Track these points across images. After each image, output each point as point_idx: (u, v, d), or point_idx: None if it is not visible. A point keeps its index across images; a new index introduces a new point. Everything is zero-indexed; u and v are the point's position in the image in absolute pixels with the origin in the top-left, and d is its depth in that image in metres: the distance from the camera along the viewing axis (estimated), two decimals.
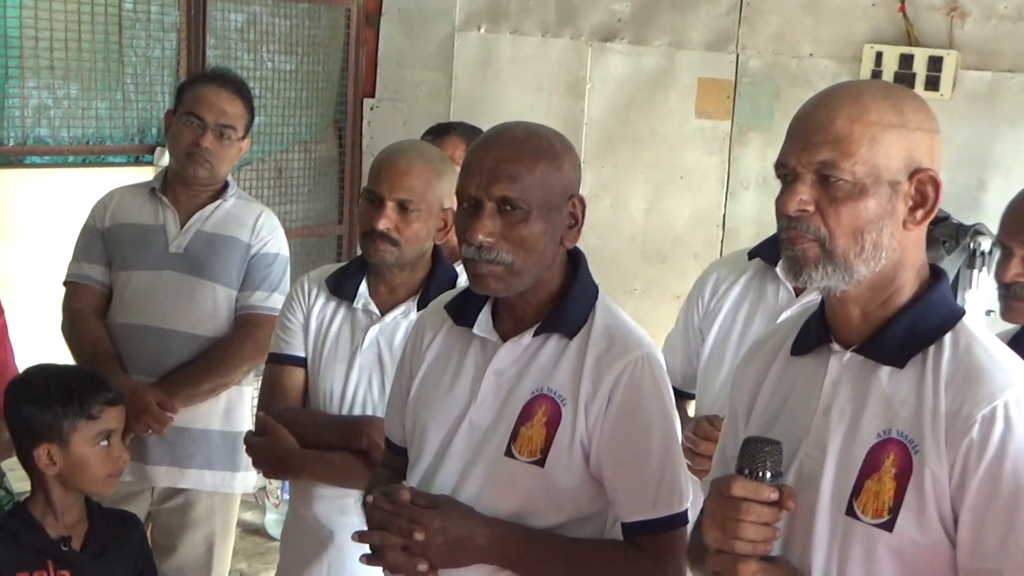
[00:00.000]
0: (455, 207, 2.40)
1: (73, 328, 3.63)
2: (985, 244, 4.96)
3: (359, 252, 2.95)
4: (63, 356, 3.50)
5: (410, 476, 2.36)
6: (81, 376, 2.90)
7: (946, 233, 4.94)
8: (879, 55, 5.30)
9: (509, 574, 2.24)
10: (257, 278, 3.62)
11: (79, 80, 5.66)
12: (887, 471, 1.80)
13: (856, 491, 1.82)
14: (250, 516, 5.75)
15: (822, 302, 1.96)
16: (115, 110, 5.81)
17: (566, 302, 2.28)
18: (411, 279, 2.93)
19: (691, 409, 3.13)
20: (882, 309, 1.88)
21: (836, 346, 1.91)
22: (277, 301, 3.48)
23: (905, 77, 5.15)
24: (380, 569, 2.30)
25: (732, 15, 5.75)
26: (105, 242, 3.66)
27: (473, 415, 2.29)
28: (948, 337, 1.84)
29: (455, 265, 2.94)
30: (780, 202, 1.85)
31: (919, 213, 1.85)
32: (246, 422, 3.67)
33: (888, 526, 1.79)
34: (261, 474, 3.17)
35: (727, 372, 2.96)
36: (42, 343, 3.67)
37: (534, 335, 2.27)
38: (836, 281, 1.84)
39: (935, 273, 1.92)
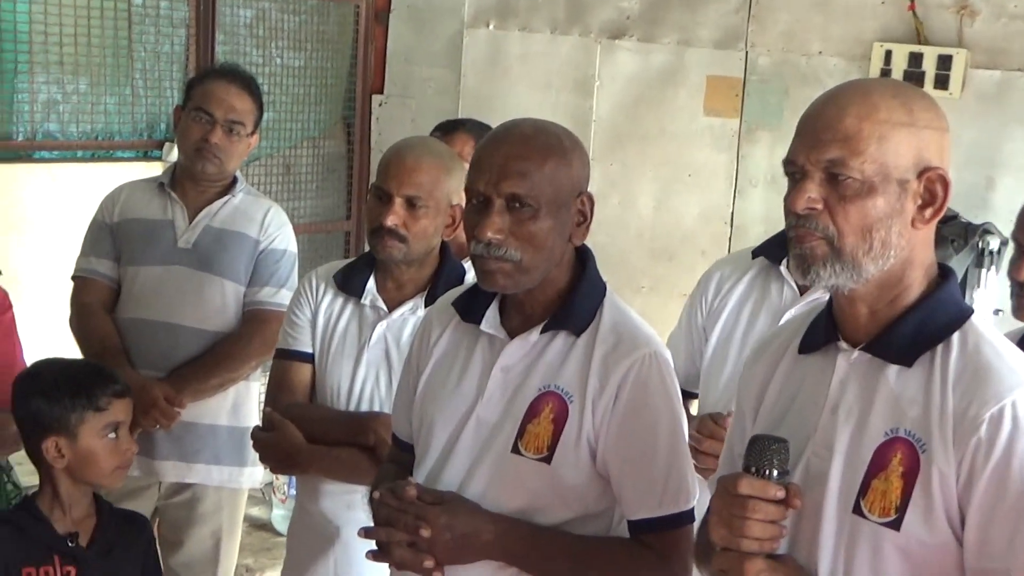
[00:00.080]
0: (463, 203, 2.41)
1: (81, 323, 3.64)
2: (994, 243, 4.96)
3: (367, 248, 2.95)
4: (71, 351, 3.50)
5: (417, 472, 2.36)
6: (89, 369, 2.90)
7: (954, 232, 4.94)
8: (888, 53, 5.29)
9: (515, 571, 2.24)
10: (265, 274, 3.62)
11: (88, 75, 5.67)
12: (894, 470, 1.80)
13: (863, 490, 1.82)
14: (257, 511, 5.76)
15: (830, 300, 1.96)
16: (124, 105, 5.82)
17: (574, 299, 2.28)
18: (419, 275, 2.93)
19: (694, 408, 3.13)
20: (890, 308, 1.87)
21: (844, 344, 1.91)
22: (285, 297, 3.48)
23: (914, 76, 5.14)
24: (387, 565, 2.30)
25: (741, 13, 5.74)
26: (113, 237, 3.67)
27: (480, 412, 2.29)
28: (956, 336, 1.83)
29: (463, 262, 2.94)
30: (789, 200, 1.85)
31: (928, 212, 1.84)
32: (253, 417, 3.67)
33: (895, 525, 1.79)
34: (268, 469, 3.18)
35: (730, 371, 2.96)
36: (50, 338, 3.68)
37: (541, 332, 2.27)
38: (844, 279, 1.83)
39: (943, 272, 1.92)
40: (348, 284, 2.97)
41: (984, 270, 4.97)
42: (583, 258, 2.32)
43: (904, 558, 1.80)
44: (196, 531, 3.69)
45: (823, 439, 1.89)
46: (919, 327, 1.85)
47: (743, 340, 2.97)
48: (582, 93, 6.15)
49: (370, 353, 2.92)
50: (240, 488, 3.74)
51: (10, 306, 3.07)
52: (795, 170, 1.86)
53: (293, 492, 4.95)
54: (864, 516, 1.81)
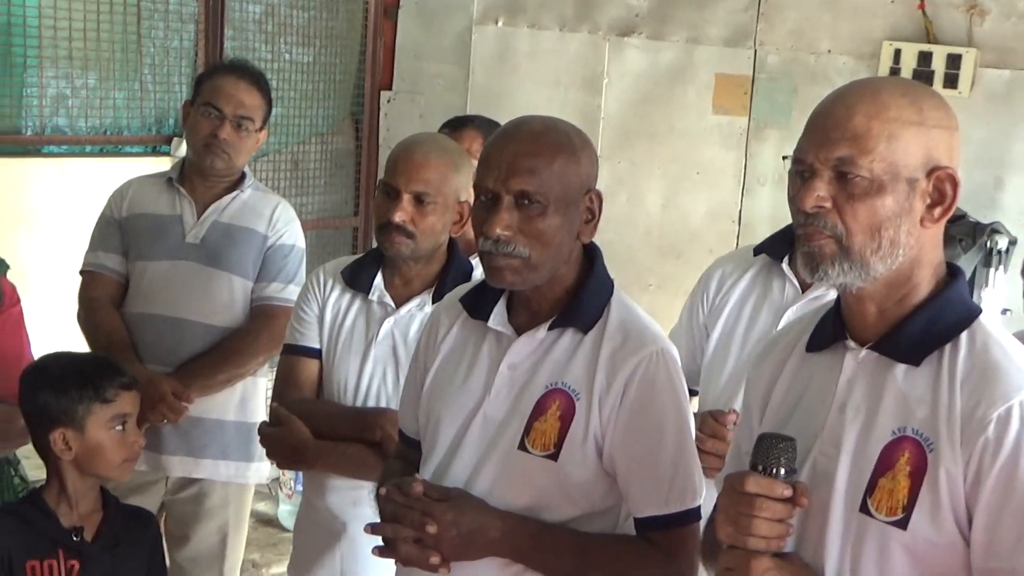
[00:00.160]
0: (471, 200, 2.40)
1: (89, 317, 3.64)
2: (1002, 243, 4.95)
3: (375, 244, 2.95)
4: (79, 345, 3.51)
5: (423, 469, 2.37)
6: (96, 361, 2.91)
7: (963, 231, 4.93)
8: (898, 52, 5.29)
9: (521, 568, 2.24)
10: (273, 269, 3.62)
11: (97, 70, 5.68)
12: (902, 469, 1.80)
13: (870, 488, 1.82)
14: (263, 507, 5.76)
15: (838, 299, 1.96)
16: (133, 100, 5.84)
17: (581, 296, 2.28)
18: (426, 272, 2.93)
19: (694, 405, 3.12)
20: (898, 307, 1.87)
21: (852, 343, 1.91)
22: (293, 292, 3.48)
23: (924, 75, 5.13)
24: (392, 561, 2.30)
25: (750, 11, 5.74)
26: (122, 232, 3.67)
27: (487, 408, 2.29)
28: (964, 335, 1.83)
29: (471, 258, 2.94)
30: (798, 198, 1.85)
31: (937, 211, 1.84)
32: (261, 413, 3.67)
33: (902, 524, 1.79)
34: (275, 465, 3.18)
35: (731, 368, 2.96)
36: (58, 332, 3.68)
37: (549, 329, 2.27)
38: (852, 278, 1.83)
39: (952, 271, 1.91)
40: (356, 280, 2.97)
41: (992, 269, 4.96)
42: (591, 255, 2.32)
43: (911, 557, 1.79)
44: (203, 526, 3.69)
45: (830, 438, 1.89)
46: (927, 326, 1.84)
47: (744, 337, 2.97)
48: (590, 90, 6.15)
49: (377, 349, 2.92)
50: (247, 483, 3.74)
51: (18, 300, 3.07)
52: (804, 168, 1.85)
53: (299, 488, 4.95)
54: (871, 515, 1.81)
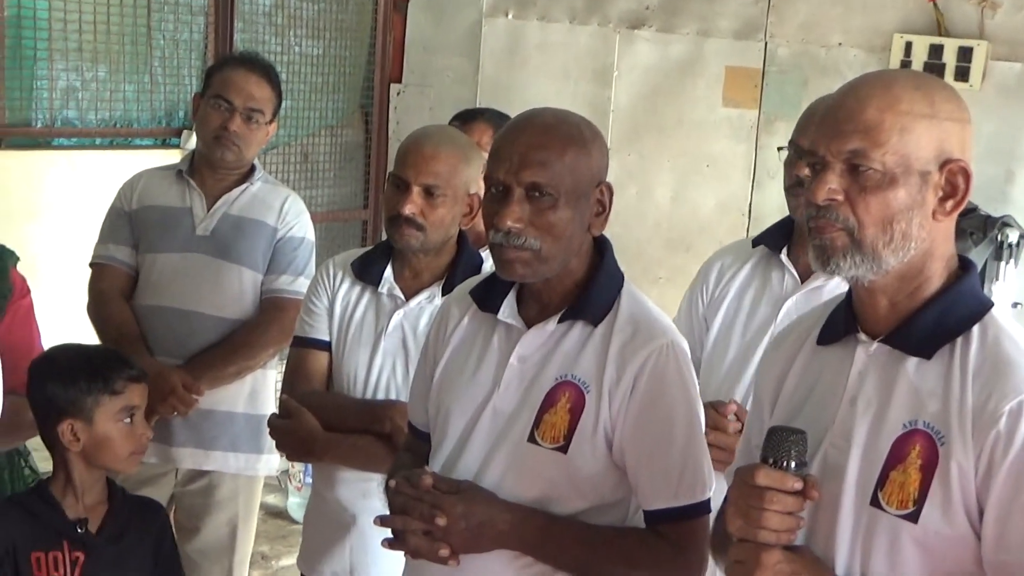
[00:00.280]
0: (481, 192, 2.40)
1: (99, 309, 3.65)
2: (1013, 236, 4.94)
3: (384, 237, 2.95)
4: (89, 337, 3.51)
5: (433, 461, 2.36)
6: (104, 353, 2.90)
7: (974, 225, 4.92)
8: (909, 45, 5.28)
9: (530, 560, 2.24)
10: (283, 262, 3.62)
11: (107, 62, 5.69)
12: (913, 462, 1.79)
13: (881, 482, 1.81)
14: (273, 499, 5.77)
15: (849, 291, 1.96)
16: (143, 93, 5.85)
17: (591, 289, 2.27)
18: (436, 264, 2.93)
19: None
20: (910, 300, 1.87)
21: (863, 336, 1.90)
22: (303, 285, 3.49)
23: (935, 67, 5.12)
24: (402, 553, 2.30)
25: (760, 3, 5.73)
26: (132, 224, 3.67)
27: (496, 401, 2.29)
28: (976, 329, 1.83)
29: (480, 251, 2.94)
30: (809, 191, 1.84)
31: (949, 204, 1.84)
32: (270, 405, 3.68)
33: (913, 517, 1.78)
34: (284, 457, 3.18)
35: (731, 359, 2.96)
36: (68, 324, 3.69)
37: (559, 322, 2.27)
38: (864, 271, 1.83)
39: (964, 264, 1.91)
40: (365, 272, 2.97)
41: (1003, 263, 4.96)
42: (601, 248, 2.32)
43: (921, 550, 1.79)
44: (212, 518, 3.70)
45: (841, 431, 1.88)
46: (939, 319, 1.84)
47: (744, 329, 2.97)
48: (600, 83, 6.15)
49: (387, 341, 2.92)
50: (256, 475, 3.75)
51: (28, 292, 3.07)
52: (816, 161, 1.85)
53: (309, 480, 4.96)
54: (882, 508, 1.81)
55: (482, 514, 2.21)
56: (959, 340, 1.82)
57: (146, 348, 3.50)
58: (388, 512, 2.28)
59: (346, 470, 2.93)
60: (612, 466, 2.24)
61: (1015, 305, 4.85)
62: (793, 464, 1.81)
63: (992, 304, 1.87)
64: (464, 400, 2.33)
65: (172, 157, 5.15)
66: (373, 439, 2.85)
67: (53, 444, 2.73)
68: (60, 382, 2.70)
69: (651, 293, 2.53)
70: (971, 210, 4.90)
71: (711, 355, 3.04)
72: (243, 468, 3.67)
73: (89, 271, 3.72)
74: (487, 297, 2.36)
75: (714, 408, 2.87)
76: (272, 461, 3.72)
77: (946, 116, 1.82)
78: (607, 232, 2.32)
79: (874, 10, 5.45)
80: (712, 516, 2.22)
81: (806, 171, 2.74)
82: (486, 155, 2.42)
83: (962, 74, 5.13)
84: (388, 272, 2.95)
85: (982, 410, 1.76)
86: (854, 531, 1.84)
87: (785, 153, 2.90)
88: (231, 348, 3.56)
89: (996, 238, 4.95)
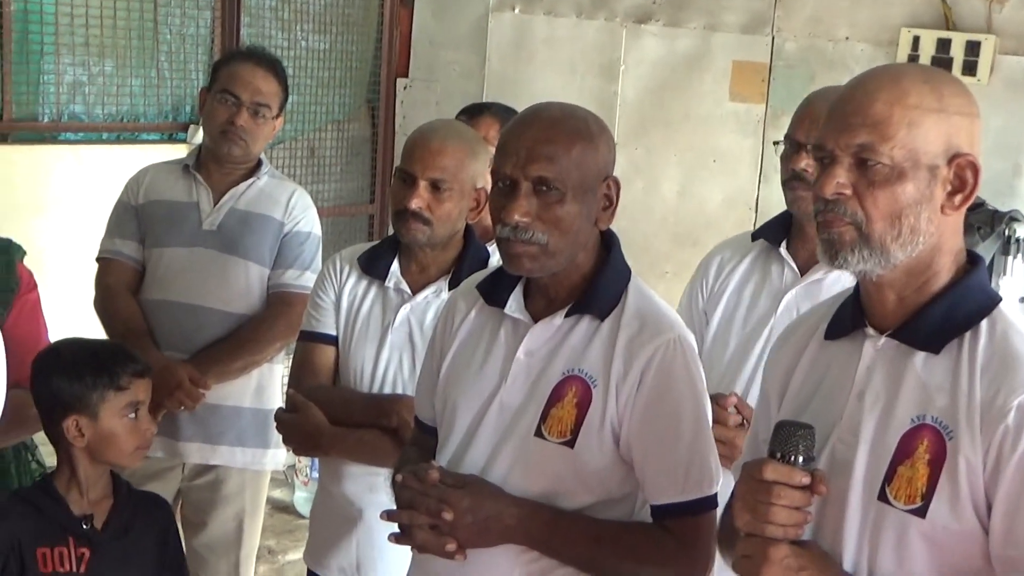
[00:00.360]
0: (488, 187, 2.40)
1: (105, 304, 3.65)
2: (1020, 231, 4.93)
3: (391, 231, 2.95)
4: (96, 332, 3.51)
5: (439, 455, 2.36)
6: (109, 348, 2.90)
7: (981, 219, 4.91)
8: (916, 39, 5.27)
9: (536, 555, 2.23)
10: (290, 256, 3.62)
11: (114, 57, 5.69)
12: (920, 457, 1.79)
13: (889, 477, 1.81)
14: (279, 494, 5.78)
15: (857, 286, 1.95)
16: (149, 87, 5.85)
17: (598, 283, 2.27)
18: (443, 258, 2.93)
19: None
20: (918, 294, 1.86)
21: (871, 331, 1.90)
22: (309, 279, 3.48)
23: (942, 62, 5.11)
24: (408, 548, 2.30)
25: None
26: (138, 218, 3.67)
27: (503, 395, 2.29)
28: (984, 323, 1.82)
29: (487, 245, 2.93)
30: (817, 185, 1.84)
31: (957, 198, 1.83)
32: (277, 400, 3.68)
33: (921, 512, 1.78)
34: (291, 451, 3.18)
35: (732, 353, 2.96)
36: (75, 319, 3.69)
37: (566, 316, 2.27)
38: (872, 265, 1.82)
39: (972, 259, 1.90)
40: (372, 267, 2.97)
41: (1010, 258, 4.95)
42: (608, 243, 2.32)
43: (929, 545, 1.79)
44: (219, 512, 3.70)
45: (849, 425, 1.88)
46: (947, 314, 1.83)
47: (744, 322, 2.96)
48: (607, 77, 6.14)
49: (394, 336, 2.92)
50: (263, 470, 3.75)
51: (35, 286, 3.07)
52: (824, 155, 1.84)
53: (316, 474, 4.96)
54: (889, 503, 1.80)
55: (489, 508, 2.21)
56: (967, 335, 1.82)
57: (153, 343, 3.51)
58: (395, 506, 2.28)
59: (353, 464, 2.93)
60: (619, 461, 2.24)
61: (1023, 300, 4.84)
62: (801, 459, 1.81)
63: (1000, 299, 1.87)
64: (471, 394, 2.33)
65: (179, 152, 5.16)
66: (380, 433, 2.86)
67: (57, 440, 2.72)
68: (65, 377, 2.69)
69: (658, 287, 2.53)
70: (979, 205, 4.89)
71: (711, 348, 3.04)
72: (250, 463, 3.67)
73: (96, 265, 3.72)
74: (494, 291, 2.36)
75: (715, 401, 2.87)
76: (279, 456, 3.73)
77: (955, 110, 1.82)
78: (614, 226, 2.32)
79: (881, 4, 5.43)
80: (719, 510, 2.22)
81: (803, 164, 2.75)
82: (493, 149, 2.42)
83: (970, 68, 5.12)
84: (395, 266, 2.94)
85: (990, 405, 1.75)
86: (861, 526, 1.83)
87: (782, 147, 2.90)
88: (238, 343, 3.56)
89: (1003, 233, 4.94)
